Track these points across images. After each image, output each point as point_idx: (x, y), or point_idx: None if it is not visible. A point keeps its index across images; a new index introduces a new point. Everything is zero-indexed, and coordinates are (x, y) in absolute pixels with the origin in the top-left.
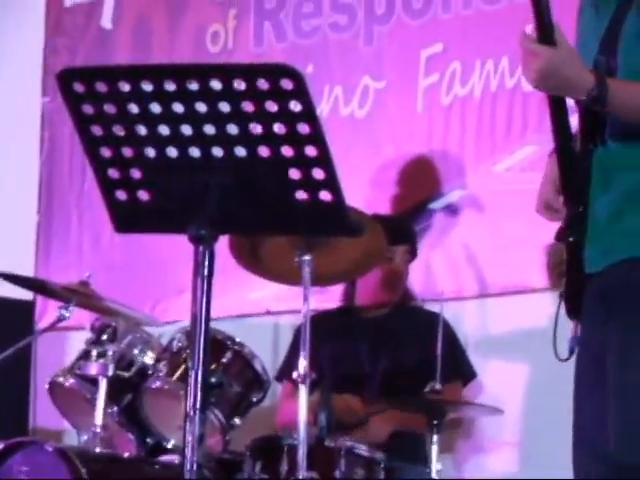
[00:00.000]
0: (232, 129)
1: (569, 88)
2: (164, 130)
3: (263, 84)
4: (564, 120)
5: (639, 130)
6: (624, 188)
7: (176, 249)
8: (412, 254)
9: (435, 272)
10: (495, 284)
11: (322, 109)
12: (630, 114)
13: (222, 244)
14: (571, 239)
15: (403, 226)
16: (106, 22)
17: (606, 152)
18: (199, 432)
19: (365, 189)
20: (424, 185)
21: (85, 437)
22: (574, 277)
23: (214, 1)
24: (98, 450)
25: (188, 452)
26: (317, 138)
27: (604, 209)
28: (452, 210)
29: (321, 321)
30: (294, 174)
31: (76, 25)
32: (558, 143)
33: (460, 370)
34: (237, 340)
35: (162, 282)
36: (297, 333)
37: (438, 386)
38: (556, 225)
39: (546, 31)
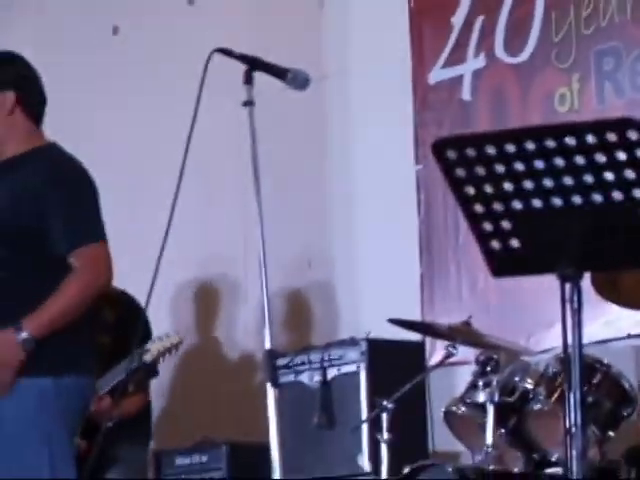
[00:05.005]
0: (588, 179)
1: None
2: (528, 185)
3: (611, 137)
4: None
5: None
6: None
7: (542, 287)
8: None
9: None
10: None
11: None
12: None
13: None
14: None
15: None
16: (466, 95)
17: None
18: (581, 446)
19: None
20: None
21: (479, 457)
22: None
23: (559, 68)
24: (491, 467)
25: (572, 464)
26: None
27: None
28: None
29: None
30: None
31: (440, 100)
32: None
33: None
34: (605, 362)
35: (532, 317)
36: None
37: None
38: None
39: None
